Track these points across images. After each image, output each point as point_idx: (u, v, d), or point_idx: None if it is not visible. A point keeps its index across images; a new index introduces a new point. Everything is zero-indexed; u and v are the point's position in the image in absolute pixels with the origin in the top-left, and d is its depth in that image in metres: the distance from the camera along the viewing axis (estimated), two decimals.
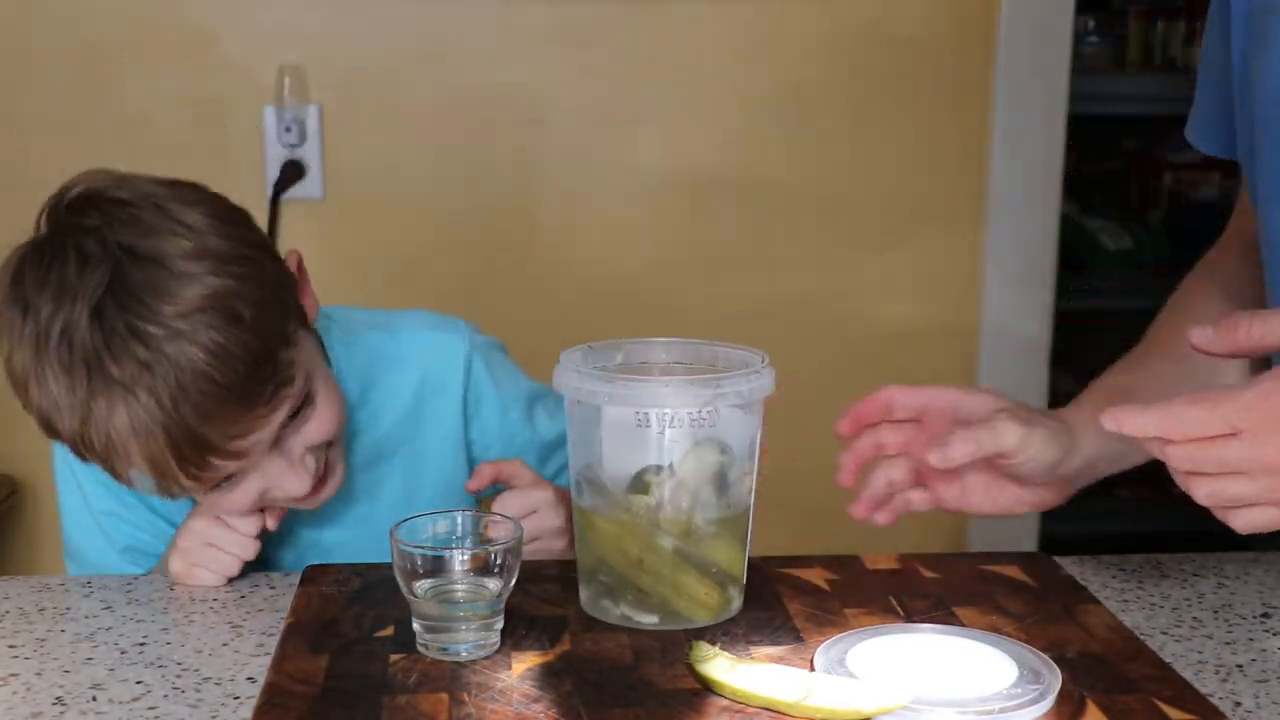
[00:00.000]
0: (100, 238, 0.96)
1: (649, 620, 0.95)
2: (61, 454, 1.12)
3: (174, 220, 0.98)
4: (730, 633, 0.94)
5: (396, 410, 1.22)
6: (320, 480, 1.09)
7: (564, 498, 1.13)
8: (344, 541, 1.20)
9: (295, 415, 1.04)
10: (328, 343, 1.18)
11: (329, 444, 1.09)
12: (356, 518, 1.20)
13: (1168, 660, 0.91)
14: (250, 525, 1.08)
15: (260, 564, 1.11)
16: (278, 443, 1.03)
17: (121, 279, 0.95)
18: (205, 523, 1.07)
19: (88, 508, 1.17)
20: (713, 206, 1.98)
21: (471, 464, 1.25)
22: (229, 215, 1.02)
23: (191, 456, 0.97)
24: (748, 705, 0.83)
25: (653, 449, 0.93)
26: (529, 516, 1.11)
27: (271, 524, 1.10)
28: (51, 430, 0.99)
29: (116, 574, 1.13)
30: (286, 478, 1.05)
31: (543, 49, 1.90)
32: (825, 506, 2.07)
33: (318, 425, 1.06)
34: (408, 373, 1.22)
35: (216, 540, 1.07)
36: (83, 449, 0.98)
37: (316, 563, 1.07)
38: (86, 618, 1.01)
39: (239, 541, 1.07)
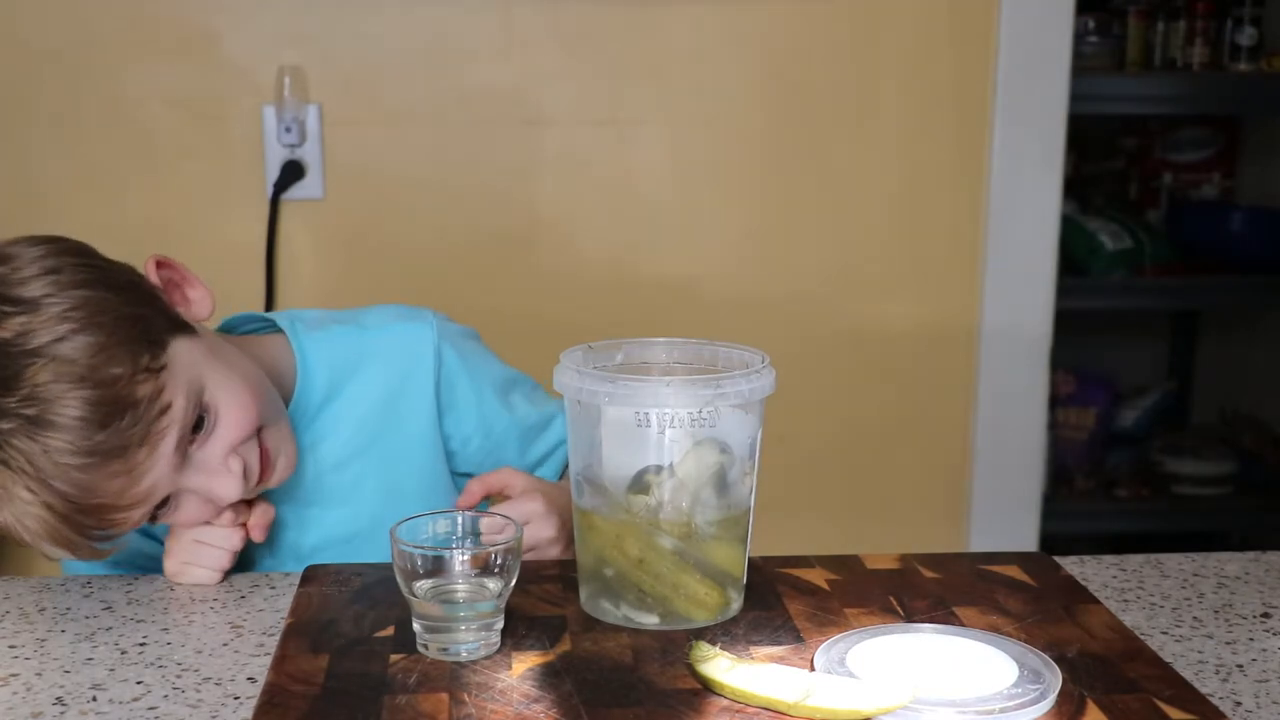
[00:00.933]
0: None
1: (649, 620, 0.95)
2: None
3: (5, 301, 0.95)
4: (730, 633, 0.94)
5: (367, 405, 1.19)
6: (264, 468, 1.07)
7: (555, 504, 1.13)
8: (325, 545, 1.18)
9: (199, 427, 1.02)
10: (295, 341, 1.17)
11: (258, 431, 1.07)
12: (336, 520, 1.19)
13: (1168, 660, 0.91)
14: (234, 514, 1.08)
15: (242, 568, 1.12)
16: (190, 461, 1.01)
17: None
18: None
19: None
20: (712, 207, 1.98)
21: (450, 458, 1.24)
22: (56, 263, 0.97)
23: (91, 524, 0.96)
24: (748, 705, 0.83)
25: (653, 449, 0.93)
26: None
27: (257, 535, 1.09)
28: None
29: (115, 574, 1.13)
30: (216, 488, 1.03)
31: (542, 49, 1.90)
32: (826, 506, 2.08)
33: (227, 429, 1.03)
34: (376, 367, 1.20)
35: (203, 536, 1.07)
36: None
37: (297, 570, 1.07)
38: (86, 618, 1.01)
39: (223, 534, 1.07)
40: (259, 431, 1.07)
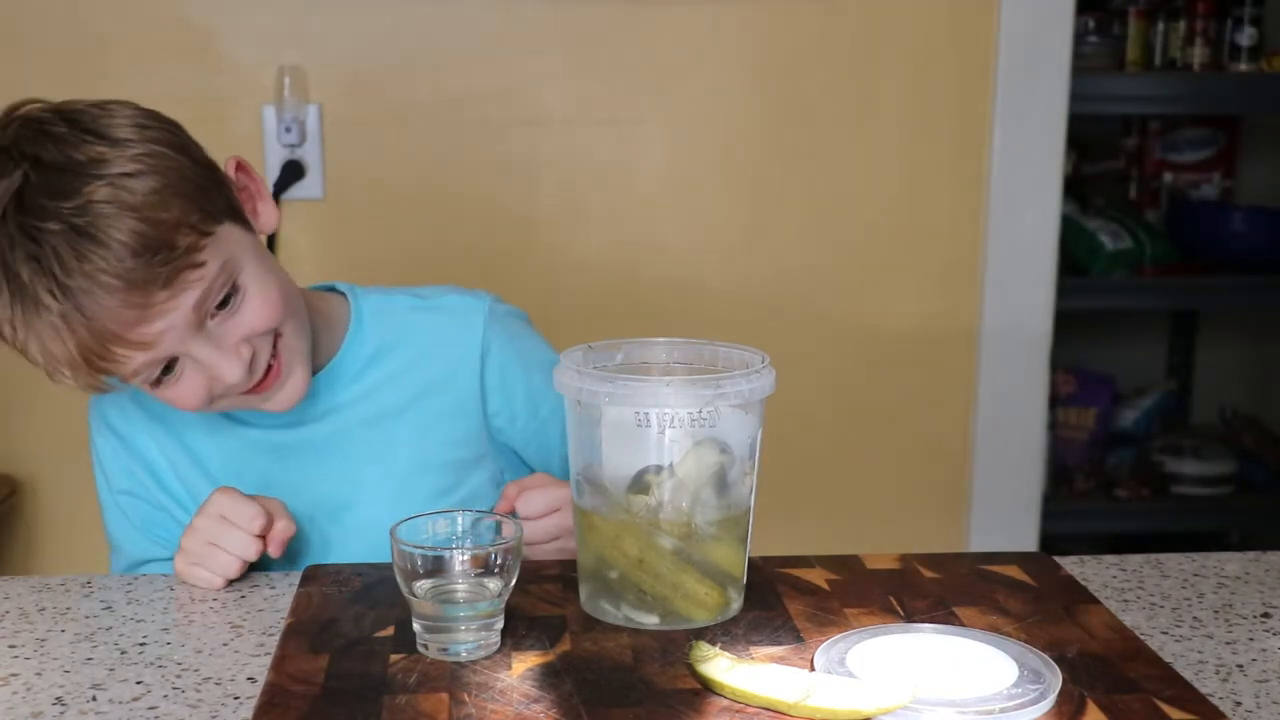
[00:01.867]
0: (11, 154, 1.01)
1: (649, 620, 0.95)
2: (93, 441, 1.21)
3: (83, 130, 1.03)
4: (730, 633, 0.94)
5: (409, 369, 1.22)
6: (270, 374, 1.10)
7: None
8: (357, 500, 1.19)
9: (225, 305, 1.06)
10: (353, 299, 1.23)
11: (277, 337, 1.11)
12: (368, 479, 1.20)
13: (1168, 660, 0.91)
14: (254, 522, 1.07)
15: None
16: (207, 332, 1.05)
17: (26, 186, 1.00)
18: (210, 521, 1.07)
19: (109, 488, 1.21)
20: (712, 207, 1.98)
21: (497, 433, 1.26)
22: (147, 122, 1.07)
23: (96, 352, 1.01)
24: (748, 705, 0.83)
25: (653, 449, 0.93)
26: (551, 515, 1.11)
27: (275, 551, 1.09)
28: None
29: (153, 570, 1.15)
30: (220, 366, 1.06)
31: (542, 49, 1.90)
32: (825, 506, 2.08)
33: (249, 314, 1.07)
34: (425, 334, 1.23)
35: (219, 539, 1.07)
36: (18, 349, 1.03)
37: (333, 528, 1.08)
38: (86, 618, 1.01)
39: (241, 541, 1.07)
40: (278, 339, 1.11)
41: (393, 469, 1.20)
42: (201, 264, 1.03)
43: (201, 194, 1.06)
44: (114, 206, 0.99)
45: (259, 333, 1.09)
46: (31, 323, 1.00)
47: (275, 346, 1.11)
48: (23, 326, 1.01)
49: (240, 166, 1.16)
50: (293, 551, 1.15)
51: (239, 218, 1.11)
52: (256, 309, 1.08)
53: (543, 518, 1.11)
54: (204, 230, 1.04)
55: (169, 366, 1.06)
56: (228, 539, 1.07)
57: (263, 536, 1.08)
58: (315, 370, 1.19)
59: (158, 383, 1.07)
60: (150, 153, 1.03)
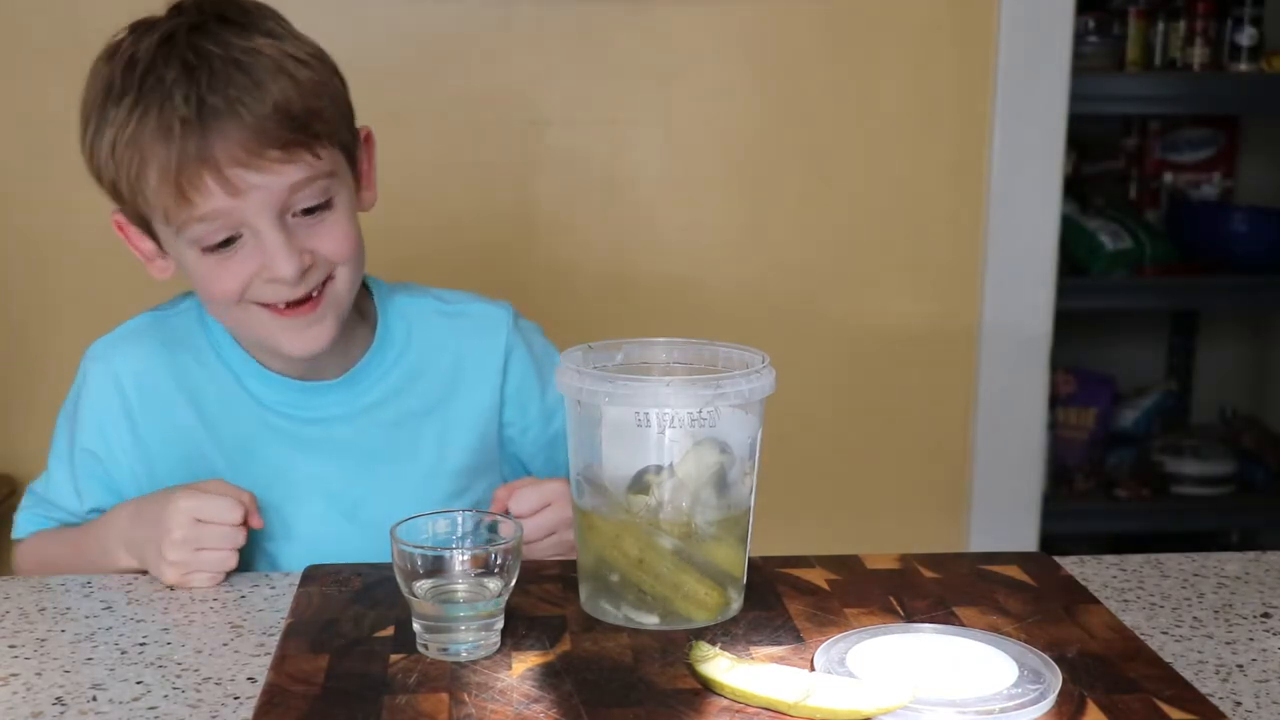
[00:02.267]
0: (201, 5, 1.09)
1: (649, 620, 0.95)
2: (73, 391, 1.22)
3: (268, 16, 1.11)
4: (730, 633, 0.94)
5: (433, 372, 1.23)
6: (306, 303, 1.11)
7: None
8: (370, 499, 1.19)
9: (311, 213, 1.09)
10: (378, 297, 1.24)
11: (329, 280, 1.12)
12: (385, 479, 1.21)
13: (1168, 660, 0.91)
14: (233, 513, 1.08)
15: (289, 518, 1.15)
16: (284, 222, 1.08)
17: (205, 23, 1.07)
18: (186, 529, 1.07)
19: (73, 443, 1.21)
20: (712, 206, 1.98)
21: (506, 443, 1.27)
22: (324, 54, 1.14)
23: (194, 168, 1.03)
24: (748, 705, 0.83)
25: (653, 449, 0.93)
26: (544, 510, 1.12)
27: (259, 522, 1.10)
28: (97, 156, 1.08)
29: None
30: (279, 254, 1.07)
31: (543, 49, 1.90)
32: (826, 506, 2.08)
33: (326, 232, 1.11)
34: (449, 339, 1.25)
35: (204, 541, 1.07)
36: (114, 164, 1.06)
37: (347, 524, 1.10)
38: (86, 618, 1.01)
39: (225, 534, 1.07)
40: (328, 281, 1.13)
41: (410, 471, 1.21)
42: (319, 158, 1.08)
43: (343, 119, 1.14)
44: (278, 67, 1.06)
45: (323, 254, 1.11)
46: (147, 121, 1.04)
47: (323, 287, 1.12)
48: (135, 123, 1.04)
49: (368, 138, 1.20)
50: (305, 546, 1.16)
51: (354, 165, 1.16)
52: (334, 232, 1.11)
53: (536, 514, 1.11)
54: (333, 138, 1.10)
55: (229, 241, 1.08)
56: (211, 537, 1.07)
57: (244, 525, 1.09)
58: (345, 369, 1.20)
59: (212, 250, 1.08)
60: (322, 61, 1.12)
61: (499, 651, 0.91)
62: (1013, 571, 1.06)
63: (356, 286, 1.16)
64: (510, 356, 1.25)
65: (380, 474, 1.21)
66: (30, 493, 1.25)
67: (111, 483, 1.20)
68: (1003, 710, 0.81)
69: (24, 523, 1.24)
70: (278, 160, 1.05)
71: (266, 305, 1.11)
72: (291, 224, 1.09)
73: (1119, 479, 2.59)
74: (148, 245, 1.14)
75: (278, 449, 1.19)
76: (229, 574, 1.09)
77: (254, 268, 1.09)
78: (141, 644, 0.96)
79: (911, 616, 0.97)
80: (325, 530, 1.18)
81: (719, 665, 0.85)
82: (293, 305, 1.11)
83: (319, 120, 1.08)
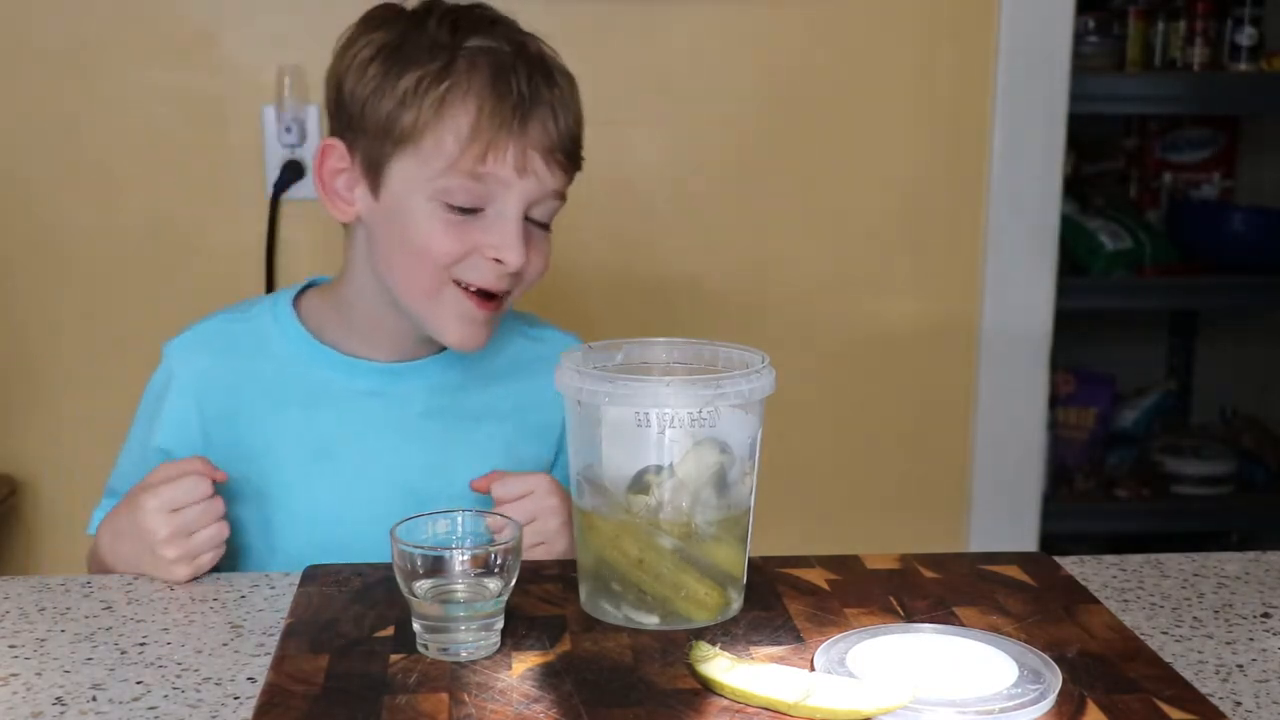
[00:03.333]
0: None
1: (649, 620, 0.95)
2: (155, 388, 1.24)
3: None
4: (730, 633, 0.94)
5: (513, 381, 1.28)
6: (491, 302, 1.17)
7: (562, 493, 1.16)
8: (441, 493, 1.20)
9: (537, 226, 1.17)
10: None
11: (513, 285, 1.18)
12: (458, 473, 1.21)
13: (1168, 660, 0.91)
14: (201, 487, 1.08)
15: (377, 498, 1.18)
16: (522, 230, 1.14)
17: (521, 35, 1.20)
18: (169, 524, 1.07)
19: (147, 441, 1.23)
20: (712, 207, 1.98)
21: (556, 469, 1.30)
22: None
23: (505, 137, 1.11)
24: (748, 705, 0.83)
25: (653, 449, 0.93)
26: (525, 498, 1.15)
27: (219, 476, 1.10)
28: (390, 90, 1.12)
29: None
30: (513, 241, 1.13)
31: None
32: (825, 506, 2.08)
33: (538, 249, 1.17)
34: (532, 359, 1.29)
35: (188, 524, 1.08)
36: (417, 99, 1.11)
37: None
38: (86, 618, 1.01)
39: (205, 509, 1.08)
40: (506, 295, 1.19)
41: (478, 470, 1.21)
42: (569, 182, 1.18)
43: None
44: (573, 99, 1.18)
45: (524, 265, 1.15)
46: (480, 75, 1.12)
47: (505, 296, 1.18)
48: (472, 73, 1.12)
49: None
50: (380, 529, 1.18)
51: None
52: (541, 250, 1.18)
53: (518, 500, 1.15)
54: (578, 162, 1.20)
55: (473, 211, 1.13)
56: (195, 519, 1.08)
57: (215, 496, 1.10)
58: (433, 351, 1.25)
59: (455, 210, 1.13)
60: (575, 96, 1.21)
61: (499, 651, 0.91)
62: (1013, 571, 1.06)
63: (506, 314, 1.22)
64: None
65: (454, 468, 1.22)
66: (107, 490, 1.26)
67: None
68: (1003, 710, 0.81)
69: (96, 519, 1.24)
70: (559, 166, 1.15)
71: (462, 290, 1.15)
72: (525, 228, 1.16)
73: (1119, 479, 2.59)
74: (342, 179, 1.18)
75: (354, 441, 1.21)
76: (226, 569, 1.09)
77: (478, 243, 1.13)
78: (141, 644, 0.96)
79: (911, 616, 0.97)
80: (396, 516, 1.20)
81: (719, 665, 0.85)
82: (481, 300, 1.16)
83: (580, 153, 1.19)
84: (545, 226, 1.18)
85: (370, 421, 1.22)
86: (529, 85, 1.13)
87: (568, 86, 1.18)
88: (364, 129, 1.14)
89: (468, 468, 1.21)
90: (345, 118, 1.16)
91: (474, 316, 1.16)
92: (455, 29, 1.14)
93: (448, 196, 1.12)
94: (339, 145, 1.17)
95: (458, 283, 1.15)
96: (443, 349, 1.24)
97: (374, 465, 1.22)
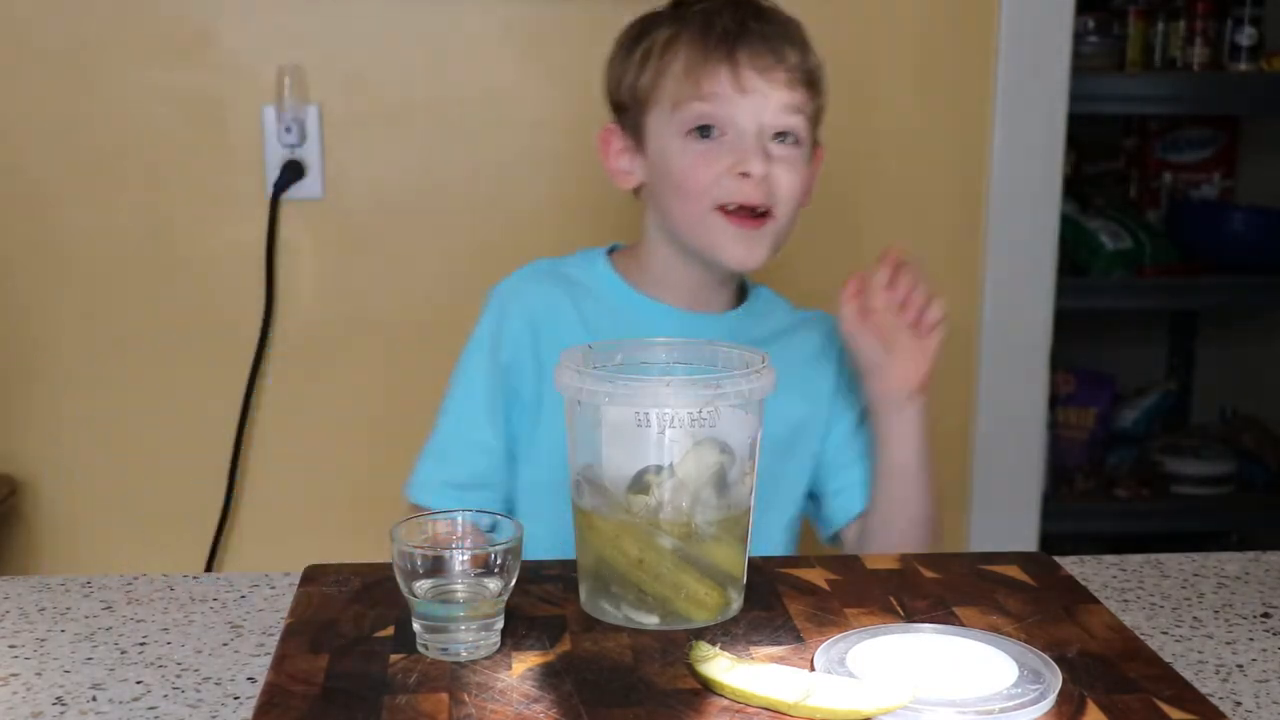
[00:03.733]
0: None
1: (649, 620, 0.95)
2: (487, 324, 1.35)
3: None
4: (730, 633, 0.94)
5: (788, 343, 1.38)
6: (757, 218, 1.28)
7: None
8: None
9: (780, 141, 1.28)
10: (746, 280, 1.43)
11: (771, 215, 1.28)
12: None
13: (1168, 660, 0.91)
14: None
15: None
16: (765, 138, 1.26)
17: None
18: None
19: (493, 365, 1.33)
20: None
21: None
22: None
23: (714, 64, 1.24)
24: (748, 705, 0.83)
25: (653, 449, 0.93)
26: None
27: None
28: (624, 68, 1.33)
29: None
30: (752, 151, 1.25)
31: (543, 49, 1.90)
32: None
33: (783, 170, 1.27)
34: (798, 326, 1.42)
35: None
36: (640, 66, 1.30)
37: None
38: (86, 618, 1.01)
39: None
40: (768, 216, 1.29)
41: (774, 431, 1.19)
42: (808, 99, 1.28)
43: (820, 110, 1.33)
44: (803, 39, 1.30)
45: (775, 181, 1.26)
46: (690, 28, 1.27)
47: (764, 217, 1.28)
48: (679, 28, 1.28)
49: (819, 153, 1.37)
50: None
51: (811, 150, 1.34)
52: (786, 172, 1.28)
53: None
54: (816, 101, 1.30)
55: (710, 131, 1.26)
56: None
57: None
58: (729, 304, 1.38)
59: (695, 135, 1.26)
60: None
61: (499, 651, 0.91)
62: (1013, 571, 1.06)
63: (790, 230, 1.32)
64: (840, 357, 1.39)
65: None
66: (426, 453, 1.33)
67: (520, 401, 1.31)
68: (1003, 710, 0.81)
69: (417, 482, 1.32)
70: (782, 84, 1.26)
71: (725, 214, 1.26)
72: (770, 149, 1.27)
73: (1119, 479, 2.59)
74: (624, 157, 1.33)
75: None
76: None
77: (727, 163, 1.25)
78: (141, 644, 0.96)
79: (911, 616, 0.97)
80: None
81: (719, 665, 0.85)
82: (744, 217, 1.27)
83: (815, 77, 1.29)
84: (797, 145, 1.28)
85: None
86: (735, 21, 1.26)
87: (783, 21, 1.30)
88: (624, 105, 1.32)
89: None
90: (613, 103, 1.35)
91: (741, 235, 1.27)
92: (680, 3, 1.31)
93: (685, 125, 1.26)
94: (615, 128, 1.35)
95: (723, 208, 1.26)
96: (738, 303, 1.38)
97: None
